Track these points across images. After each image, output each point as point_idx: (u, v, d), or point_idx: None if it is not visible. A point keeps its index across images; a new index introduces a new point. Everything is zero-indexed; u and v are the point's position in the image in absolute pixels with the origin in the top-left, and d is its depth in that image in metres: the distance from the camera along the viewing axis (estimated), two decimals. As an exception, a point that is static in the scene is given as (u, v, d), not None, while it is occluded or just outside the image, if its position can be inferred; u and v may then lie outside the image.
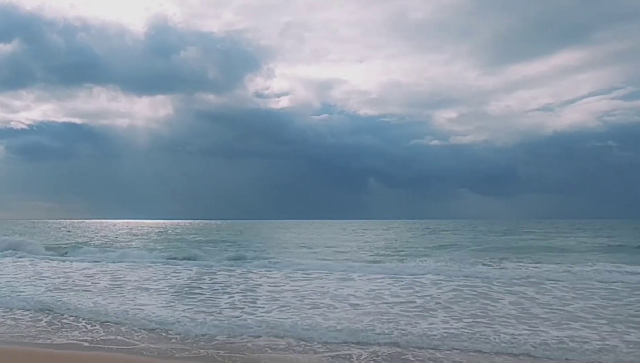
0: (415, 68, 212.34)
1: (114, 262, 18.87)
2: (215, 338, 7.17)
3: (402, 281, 12.71)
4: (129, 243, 33.00)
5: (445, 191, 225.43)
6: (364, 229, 59.31)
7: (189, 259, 19.95)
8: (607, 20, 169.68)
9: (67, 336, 7.45)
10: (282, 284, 12.56)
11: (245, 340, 7.04)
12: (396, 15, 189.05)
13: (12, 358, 6.32)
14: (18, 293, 11.25)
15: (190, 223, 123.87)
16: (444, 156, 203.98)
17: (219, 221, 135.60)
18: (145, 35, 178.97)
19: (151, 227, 75.08)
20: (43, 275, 14.94)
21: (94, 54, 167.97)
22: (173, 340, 7.13)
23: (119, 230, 62.13)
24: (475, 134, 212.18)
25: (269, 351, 6.54)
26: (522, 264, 16.38)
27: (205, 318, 8.42)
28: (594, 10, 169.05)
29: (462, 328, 7.64)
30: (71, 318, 8.69)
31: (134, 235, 47.46)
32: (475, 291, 11.06)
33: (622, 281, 12.12)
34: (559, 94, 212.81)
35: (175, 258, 20.19)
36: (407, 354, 6.37)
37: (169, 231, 57.79)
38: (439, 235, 41.11)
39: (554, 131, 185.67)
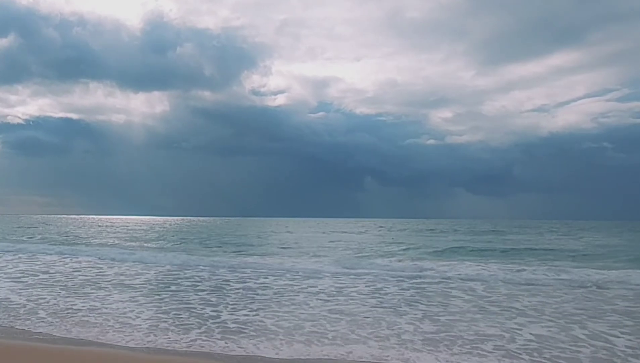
0: (411, 67, 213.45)
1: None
2: (203, 337, 7.40)
3: (363, 279, 13.50)
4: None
5: (441, 190, 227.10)
6: (355, 227, 59.73)
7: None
8: (602, 21, 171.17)
9: (56, 332, 7.56)
10: (249, 281, 13.16)
11: (232, 339, 7.28)
12: (392, 14, 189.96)
13: (8, 354, 6.35)
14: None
15: (184, 219, 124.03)
16: (439, 155, 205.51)
17: (213, 218, 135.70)
18: (141, 31, 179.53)
19: (146, 224, 75.30)
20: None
21: (90, 49, 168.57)
22: (161, 339, 7.22)
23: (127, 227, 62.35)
24: (471, 134, 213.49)
25: (258, 349, 6.82)
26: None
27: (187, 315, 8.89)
28: (589, 11, 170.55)
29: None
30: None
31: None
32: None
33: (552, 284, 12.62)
34: (554, 95, 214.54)
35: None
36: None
37: (157, 227, 58.17)
38: (423, 235, 41.72)
39: (549, 132, 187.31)
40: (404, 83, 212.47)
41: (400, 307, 9.66)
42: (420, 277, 13.75)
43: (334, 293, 11.28)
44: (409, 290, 11.70)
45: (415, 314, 9.00)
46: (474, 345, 6.93)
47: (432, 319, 8.57)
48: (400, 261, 18.55)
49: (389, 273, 14.67)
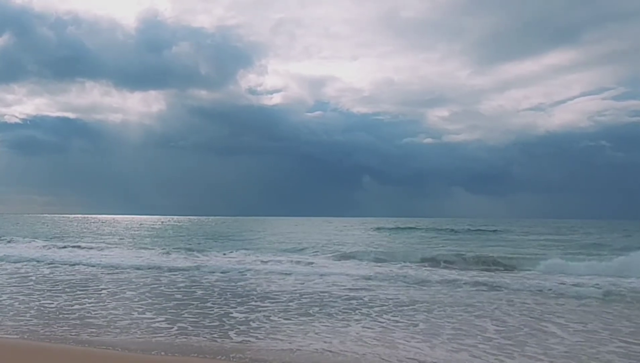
0: (408, 66, 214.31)
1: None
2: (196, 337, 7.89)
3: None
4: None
5: (439, 189, 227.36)
6: (344, 227, 60.56)
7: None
8: (598, 20, 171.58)
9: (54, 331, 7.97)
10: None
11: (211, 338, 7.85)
12: (388, 13, 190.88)
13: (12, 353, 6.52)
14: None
15: (175, 219, 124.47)
16: (437, 154, 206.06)
17: (210, 218, 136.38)
18: (136, 30, 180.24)
19: (144, 224, 75.89)
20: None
21: (86, 48, 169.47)
22: (155, 339, 7.58)
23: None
24: (468, 132, 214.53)
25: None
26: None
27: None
28: (585, 10, 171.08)
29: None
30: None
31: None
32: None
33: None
34: (551, 93, 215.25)
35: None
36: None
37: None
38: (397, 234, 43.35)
39: (546, 131, 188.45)
40: (401, 82, 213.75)
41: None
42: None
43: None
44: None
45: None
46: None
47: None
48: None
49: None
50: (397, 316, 9.55)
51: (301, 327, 8.57)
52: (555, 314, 9.78)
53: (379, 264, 18.48)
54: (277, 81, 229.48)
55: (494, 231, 45.12)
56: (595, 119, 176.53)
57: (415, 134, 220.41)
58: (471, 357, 6.87)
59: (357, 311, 10.01)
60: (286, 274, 15.44)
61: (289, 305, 10.59)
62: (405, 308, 10.39)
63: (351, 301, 11.07)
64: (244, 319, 9.14)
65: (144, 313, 9.51)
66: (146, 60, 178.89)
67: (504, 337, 8.00)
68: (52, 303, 10.39)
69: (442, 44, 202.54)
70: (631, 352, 7.21)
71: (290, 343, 7.51)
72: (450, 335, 8.09)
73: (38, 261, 18.79)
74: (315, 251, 24.85)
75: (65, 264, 18.16)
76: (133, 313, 9.54)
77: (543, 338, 7.95)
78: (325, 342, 7.58)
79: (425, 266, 17.94)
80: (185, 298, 11.38)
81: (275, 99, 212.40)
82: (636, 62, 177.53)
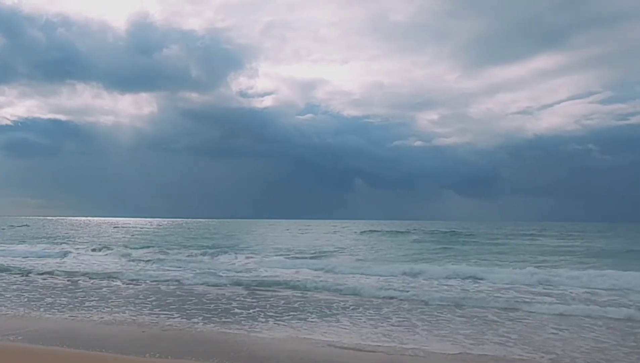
0: (398, 69, 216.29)
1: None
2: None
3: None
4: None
5: (430, 192, 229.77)
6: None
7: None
8: (584, 25, 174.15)
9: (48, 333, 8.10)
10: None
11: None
12: (377, 17, 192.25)
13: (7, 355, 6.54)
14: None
15: (167, 221, 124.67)
16: (427, 157, 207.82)
17: (200, 220, 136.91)
18: (126, 32, 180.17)
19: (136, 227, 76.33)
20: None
21: (76, 50, 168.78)
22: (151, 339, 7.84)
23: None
24: (458, 136, 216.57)
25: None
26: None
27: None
28: (571, 15, 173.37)
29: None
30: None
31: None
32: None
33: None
34: (538, 97, 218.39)
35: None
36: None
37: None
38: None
39: (534, 134, 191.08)
40: (391, 85, 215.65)
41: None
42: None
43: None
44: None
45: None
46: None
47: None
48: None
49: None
50: (370, 311, 10.42)
51: (296, 322, 9.32)
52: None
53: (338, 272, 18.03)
54: (267, 83, 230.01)
55: (451, 232, 46.43)
56: (582, 123, 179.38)
57: (405, 137, 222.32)
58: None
59: (336, 306, 10.82)
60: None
61: (273, 304, 11.36)
62: (371, 305, 11.14)
63: (327, 300, 11.74)
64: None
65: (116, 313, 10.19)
66: (137, 62, 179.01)
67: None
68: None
69: (430, 48, 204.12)
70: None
71: (290, 334, 8.36)
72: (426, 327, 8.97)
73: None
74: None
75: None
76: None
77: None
78: (326, 333, 8.50)
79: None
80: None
81: (266, 102, 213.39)
82: (622, 66, 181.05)
